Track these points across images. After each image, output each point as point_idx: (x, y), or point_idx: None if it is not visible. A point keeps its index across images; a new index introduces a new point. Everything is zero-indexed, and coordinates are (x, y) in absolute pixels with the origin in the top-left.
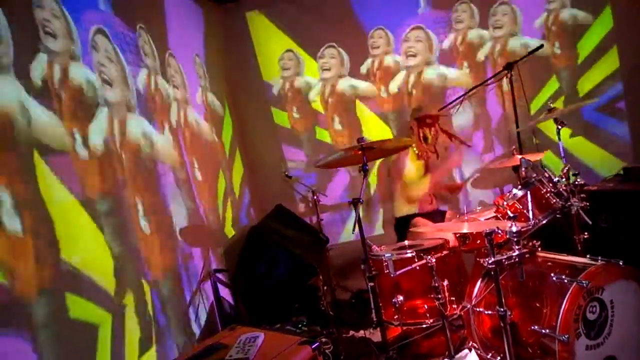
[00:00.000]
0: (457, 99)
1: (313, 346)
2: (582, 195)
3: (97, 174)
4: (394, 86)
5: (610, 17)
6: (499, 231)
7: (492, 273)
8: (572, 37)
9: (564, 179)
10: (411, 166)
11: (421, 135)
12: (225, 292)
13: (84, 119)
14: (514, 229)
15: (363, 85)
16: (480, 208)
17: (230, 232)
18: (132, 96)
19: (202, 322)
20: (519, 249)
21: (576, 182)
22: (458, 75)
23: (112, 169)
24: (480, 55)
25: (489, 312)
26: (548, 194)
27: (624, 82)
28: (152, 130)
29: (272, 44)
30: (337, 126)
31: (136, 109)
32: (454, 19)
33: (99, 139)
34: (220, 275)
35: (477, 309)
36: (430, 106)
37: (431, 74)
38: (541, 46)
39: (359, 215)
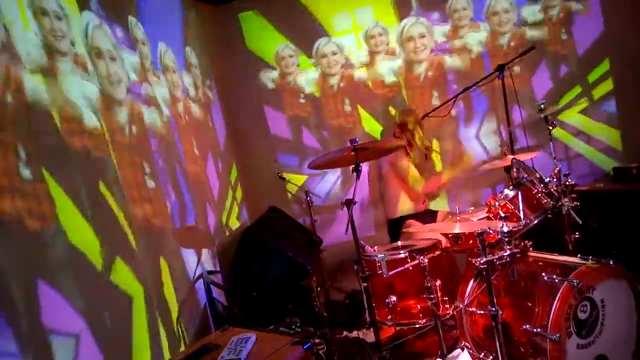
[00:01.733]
0: (447, 101)
1: (305, 347)
2: (572, 196)
3: None
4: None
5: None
6: (491, 231)
7: (484, 273)
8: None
9: (555, 180)
10: (410, 166)
11: (405, 140)
12: (218, 293)
13: None
14: (505, 229)
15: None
16: (472, 208)
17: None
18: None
19: (195, 324)
20: (510, 249)
21: (567, 183)
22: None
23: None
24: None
25: (481, 311)
26: (539, 194)
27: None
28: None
29: (265, 41)
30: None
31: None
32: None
33: None
34: (213, 277)
35: (470, 309)
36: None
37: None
38: (532, 48)
39: (352, 216)
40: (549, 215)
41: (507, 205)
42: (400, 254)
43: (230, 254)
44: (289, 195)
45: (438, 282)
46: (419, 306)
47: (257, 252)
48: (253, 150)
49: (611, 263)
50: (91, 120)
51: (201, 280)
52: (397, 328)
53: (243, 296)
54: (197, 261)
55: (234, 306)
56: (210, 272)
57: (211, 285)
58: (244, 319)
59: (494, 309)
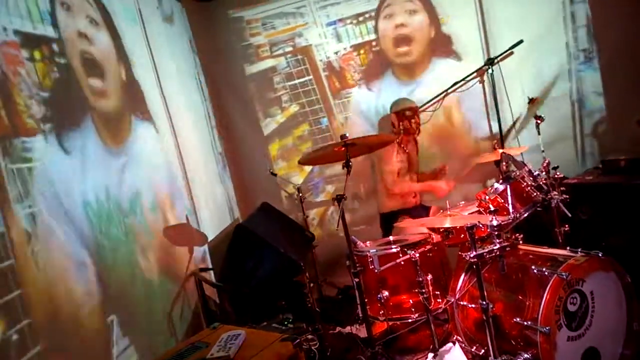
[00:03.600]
0: (436, 96)
1: (294, 342)
2: (562, 189)
3: None
4: None
5: None
6: (481, 225)
7: (475, 267)
8: None
9: (544, 173)
10: (395, 162)
11: (401, 127)
12: (210, 291)
13: None
14: (495, 222)
15: None
16: (463, 202)
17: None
18: None
19: (188, 321)
20: (500, 243)
21: (556, 176)
22: None
23: None
24: None
25: (472, 305)
26: (528, 188)
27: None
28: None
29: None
30: None
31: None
32: None
33: None
34: (205, 274)
35: (461, 303)
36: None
37: None
38: (521, 41)
39: (343, 211)
40: (539, 209)
41: (497, 198)
42: (391, 248)
43: (222, 251)
44: (283, 193)
45: (429, 277)
46: (411, 301)
47: (250, 248)
48: (245, 146)
49: (600, 255)
50: None
51: (193, 278)
52: (390, 323)
53: (235, 293)
54: (189, 258)
55: (226, 303)
56: (202, 270)
57: (203, 283)
58: (237, 316)
59: (484, 302)
